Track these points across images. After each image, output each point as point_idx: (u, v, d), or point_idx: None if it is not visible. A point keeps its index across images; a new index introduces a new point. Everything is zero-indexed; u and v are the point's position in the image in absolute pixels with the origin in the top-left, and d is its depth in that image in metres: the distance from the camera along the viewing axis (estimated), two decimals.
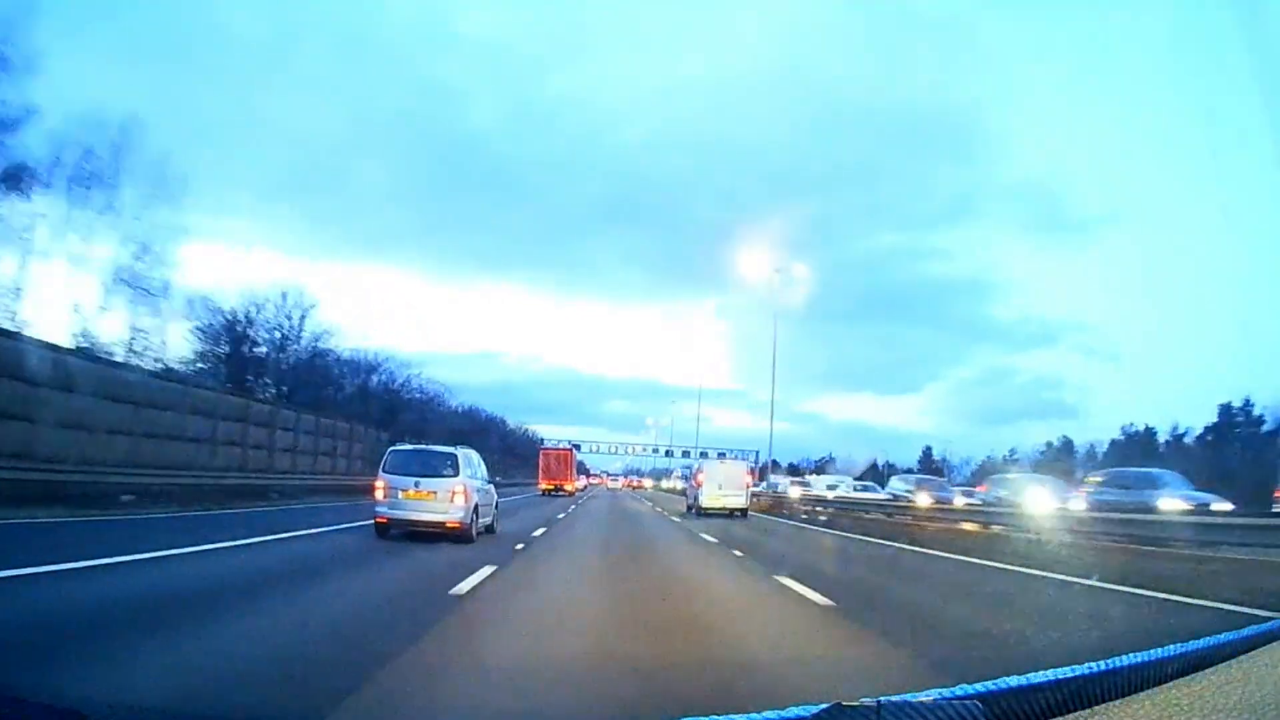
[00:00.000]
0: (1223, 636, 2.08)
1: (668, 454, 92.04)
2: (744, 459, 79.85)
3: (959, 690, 1.59)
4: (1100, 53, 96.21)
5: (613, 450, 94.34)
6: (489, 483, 16.17)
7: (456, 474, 13.68)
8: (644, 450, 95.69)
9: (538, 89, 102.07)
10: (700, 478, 32.63)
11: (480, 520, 14.42)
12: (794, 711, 1.49)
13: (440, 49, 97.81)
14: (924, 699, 1.52)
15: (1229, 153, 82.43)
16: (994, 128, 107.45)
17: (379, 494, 13.59)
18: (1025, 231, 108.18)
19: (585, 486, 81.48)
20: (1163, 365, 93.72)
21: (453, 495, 13.45)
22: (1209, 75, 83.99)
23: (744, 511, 30.96)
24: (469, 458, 14.81)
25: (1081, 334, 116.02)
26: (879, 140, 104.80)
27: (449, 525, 13.31)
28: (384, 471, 13.80)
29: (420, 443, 17.90)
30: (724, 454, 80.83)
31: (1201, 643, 2.00)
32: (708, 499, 30.92)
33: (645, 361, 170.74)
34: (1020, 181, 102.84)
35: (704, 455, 79.07)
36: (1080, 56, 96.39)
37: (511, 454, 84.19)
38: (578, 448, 78.26)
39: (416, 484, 13.46)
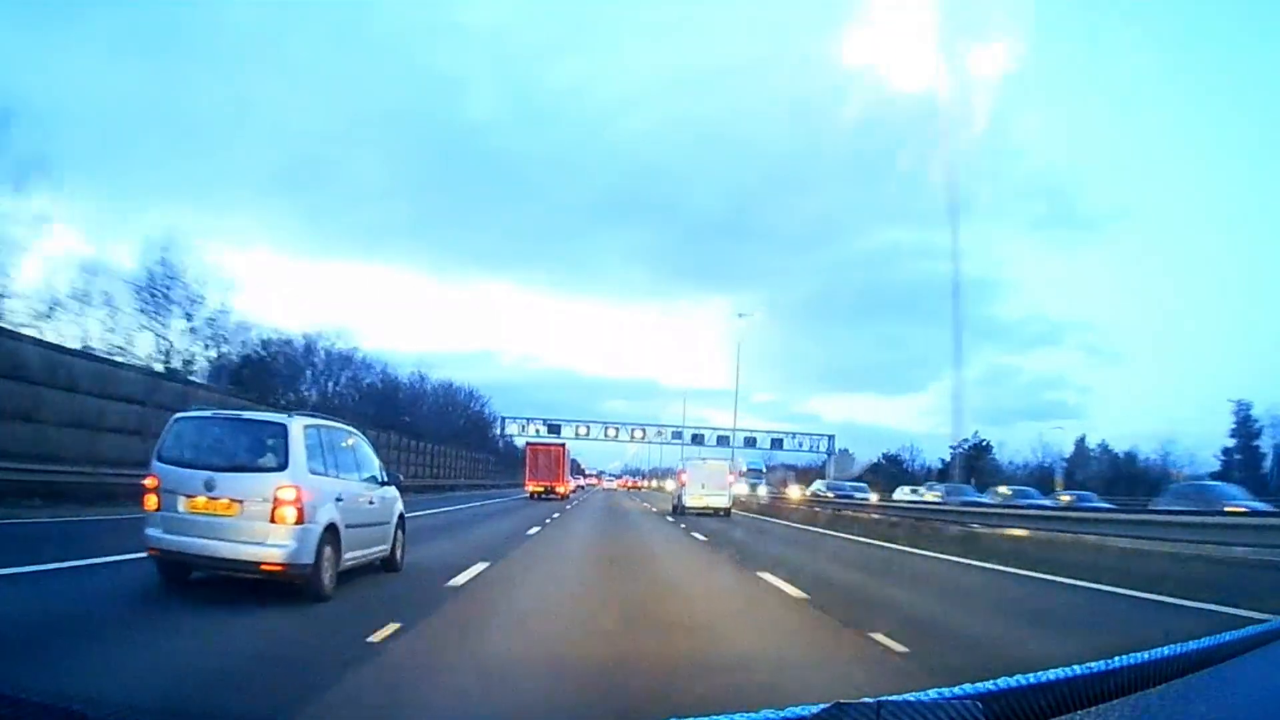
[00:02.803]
0: (1223, 636, 2.09)
1: (695, 439, 70.43)
2: (812, 452, 72.18)
3: (959, 690, 1.58)
4: (1111, 47, 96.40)
5: (611, 435, 75.91)
6: (382, 483, 9.74)
7: (284, 465, 7.52)
8: (660, 435, 75.65)
9: (538, 79, 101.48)
10: (684, 477, 33.69)
11: (351, 554, 8.35)
12: (794, 711, 1.49)
13: (438, 37, 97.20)
14: (924, 699, 1.52)
15: (1241, 151, 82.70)
16: (1002, 123, 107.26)
17: (148, 503, 7.58)
18: (1032, 229, 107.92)
19: (578, 488, 79.05)
20: (1169, 366, 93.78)
21: (273, 509, 7.30)
22: (1221, 71, 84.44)
23: (727, 511, 31.96)
24: (322, 437, 8.40)
25: (1088, 333, 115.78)
26: (884, 134, 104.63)
27: (266, 566, 7.30)
28: (159, 459, 7.72)
29: (248, 407, 10.66)
30: (779, 439, 71.27)
31: (1201, 643, 2.00)
32: (691, 498, 31.96)
33: (644, 361, 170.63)
34: (1028, 178, 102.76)
35: (752, 444, 67.92)
36: (1091, 52, 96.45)
37: (501, 454, 77.85)
38: (556, 430, 70.20)
39: (208, 485, 7.37)
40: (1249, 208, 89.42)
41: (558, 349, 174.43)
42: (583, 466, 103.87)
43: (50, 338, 23.06)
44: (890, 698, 1.48)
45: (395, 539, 9.94)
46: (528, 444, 54.35)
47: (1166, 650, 1.91)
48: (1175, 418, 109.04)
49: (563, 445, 51.33)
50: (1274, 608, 7.27)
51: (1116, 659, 1.81)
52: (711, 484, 32.33)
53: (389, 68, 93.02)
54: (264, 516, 7.33)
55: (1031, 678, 1.67)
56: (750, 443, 70.96)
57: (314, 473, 7.85)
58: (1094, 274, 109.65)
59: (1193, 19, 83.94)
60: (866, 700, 1.46)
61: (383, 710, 4.53)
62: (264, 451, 7.75)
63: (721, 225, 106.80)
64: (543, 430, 71.33)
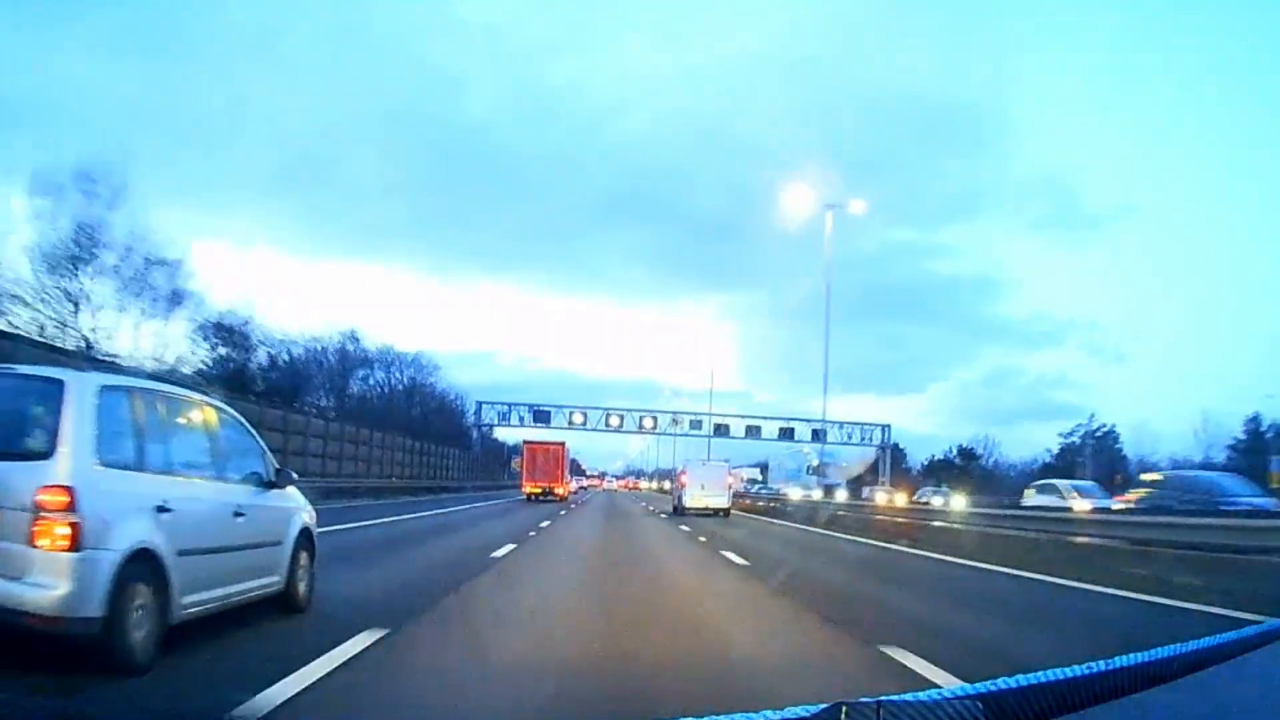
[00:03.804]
0: (1223, 636, 2.09)
1: (718, 430, 59.11)
2: (864, 445, 58.82)
3: (959, 690, 1.59)
4: (1117, 44, 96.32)
5: (614, 424, 63.53)
6: (267, 484, 6.76)
7: (50, 451, 4.65)
8: (676, 424, 62.83)
9: (537, 77, 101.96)
10: (684, 479, 34.35)
11: (196, 596, 5.39)
12: (794, 711, 1.49)
13: (437, 35, 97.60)
14: (924, 699, 1.52)
15: (1245, 147, 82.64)
16: (1006, 121, 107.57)
17: None
18: (1036, 228, 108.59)
19: (580, 489, 76.49)
20: (1174, 365, 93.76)
21: (32, 524, 4.43)
22: (1224, 69, 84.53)
23: (726, 511, 32.42)
24: (139, 408, 5.43)
25: (1092, 332, 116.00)
26: (887, 133, 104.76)
27: (31, 618, 4.35)
28: None
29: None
30: (820, 430, 57.36)
31: (1201, 643, 2.00)
32: (691, 499, 32.58)
33: (645, 362, 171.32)
34: (1032, 176, 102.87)
35: (789, 435, 58.52)
36: (1096, 48, 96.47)
37: (474, 448, 68.08)
38: (546, 418, 61.44)
39: None
40: (1253, 204, 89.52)
41: (557, 349, 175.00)
42: (583, 467, 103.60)
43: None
44: (890, 697, 1.48)
45: (295, 564, 6.89)
46: (525, 443, 51.55)
47: (1166, 650, 1.91)
48: (1178, 417, 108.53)
49: (562, 444, 48.96)
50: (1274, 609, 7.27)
51: (1116, 659, 1.81)
52: (711, 485, 33.07)
53: (388, 66, 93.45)
54: (21, 535, 4.43)
55: (1032, 678, 1.67)
56: (787, 434, 61.84)
57: (112, 464, 4.89)
58: (1099, 273, 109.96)
59: (1197, 17, 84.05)
60: (866, 700, 1.46)
61: None
62: (28, 429, 4.85)
63: (722, 224, 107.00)
64: (528, 418, 62.99)
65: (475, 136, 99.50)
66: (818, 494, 43.11)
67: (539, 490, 44.18)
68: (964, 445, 67.00)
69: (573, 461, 63.68)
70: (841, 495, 41.63)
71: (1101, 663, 1.78)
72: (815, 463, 49.14)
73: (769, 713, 1.49)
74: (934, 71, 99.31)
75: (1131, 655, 1.84)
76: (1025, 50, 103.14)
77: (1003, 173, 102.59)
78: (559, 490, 45.22)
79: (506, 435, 74.94)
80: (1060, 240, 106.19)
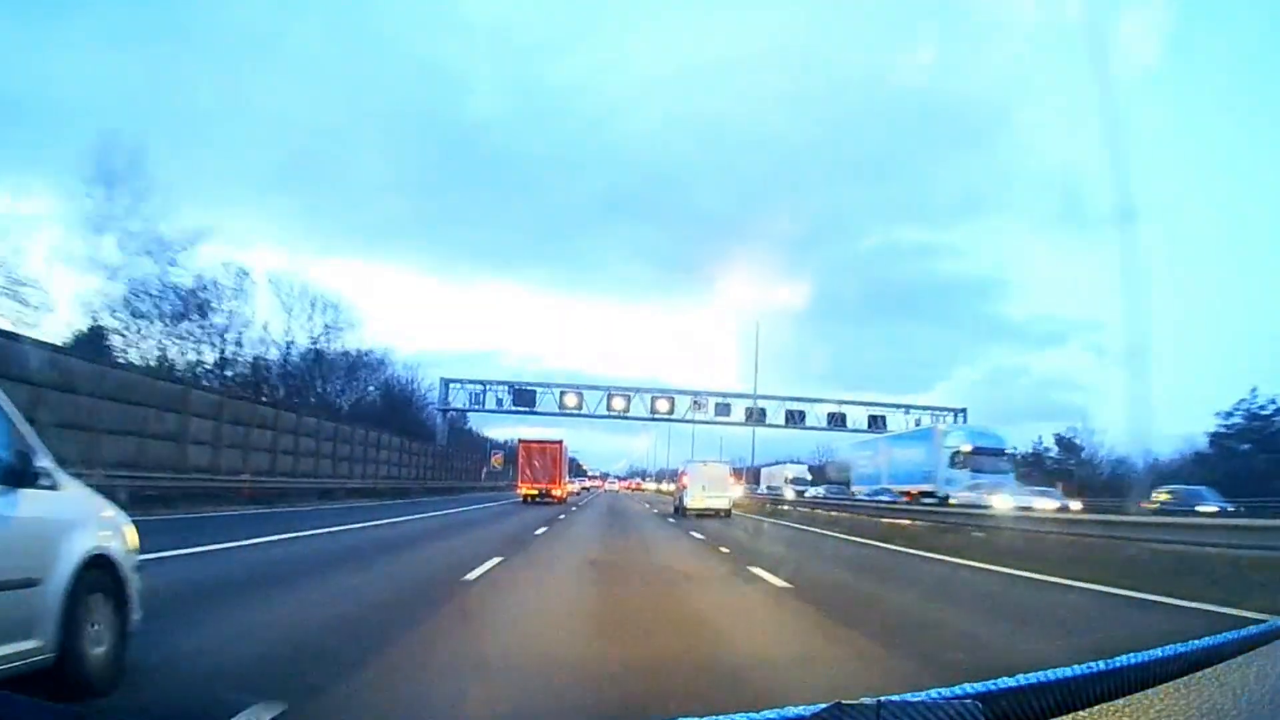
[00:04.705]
0: (1223, 636, 2.09)
1: (753, 416, 47.46)
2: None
3: (959, 690, 1.59)
4: (1125, 44, 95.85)
5: (619, 408, 53.46)
6: (12, 477, 3.56)
7: None
8: (697, 408, 51.29)
9: (541, 75, 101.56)
10: (685, 480, 34.06)
11: None
12: (794, 711, 1.49)
13: (441, 32, 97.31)
14: (924, 699, 1.52)
15: (1255, 146, 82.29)
16: (1012, 119, 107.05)
17: None
18: (1041, 227, 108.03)
19: (583, 489, 75.47)
20: (1179, 365, 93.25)
21: None
22: (1230, 70, 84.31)
23: (728, 512, 32.35)
24: None
25: (1097, 333, 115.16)
26: (891, 131, 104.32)
27: None
28: None
29: None
30: (879, 416, 52.33)
31: (1201, 643, 2.00)
32: (693, 500, 32.32)
33: (648, 361, 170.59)
34: (1038, 175, 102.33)
35: (840, 423, 50.98)
36: (1102, 46, 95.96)
37: (433, 437, 55.86)
38: (530, 398, 53.44)
39: None
40: (1259, 204, 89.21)
41: (560, 349, 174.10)
42: (584, 467, 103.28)
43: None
44: (890, 698, 1.48)
45: (80, 618, 3.86)
46: (520, 441, 48.21)
47: (1166, 650, 1.91)
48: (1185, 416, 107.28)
49: (560, 443, 45.46)
50: (1275, 607, 7.26)
51: (1116, 659, 1.82)
52: (714, 486, 32.97)
53: (391, 65, 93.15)
54: None
55: (1032, 677, 1.67)
56: (837, 421, 54.04)
57: None
58: (1104, 273, 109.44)
59: (1203, 17, 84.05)
60: (866, 700, 1.46)
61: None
62: None
63: (726, 222, 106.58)
64: (507, 400, 54.72)
65: (478, 135, 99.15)
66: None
67: (535, 492, 42.49)
68: (1061, 435, 53.47)
69: (572, 461, 60.06)
70: (1005, 502, 25.21)
71: (1101, 663, 1.78)
72: (967, 449, 32.78)
73: (769, 712, 1.49)
74: (939, 68, 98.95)
75: (1131, 655, 1.85)
76: (1032, 48, 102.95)
77: (1008, 172, 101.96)
78: (556, 492, 43.31)
79: (497, 434, 69.65)
80: (1066, 240, 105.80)
